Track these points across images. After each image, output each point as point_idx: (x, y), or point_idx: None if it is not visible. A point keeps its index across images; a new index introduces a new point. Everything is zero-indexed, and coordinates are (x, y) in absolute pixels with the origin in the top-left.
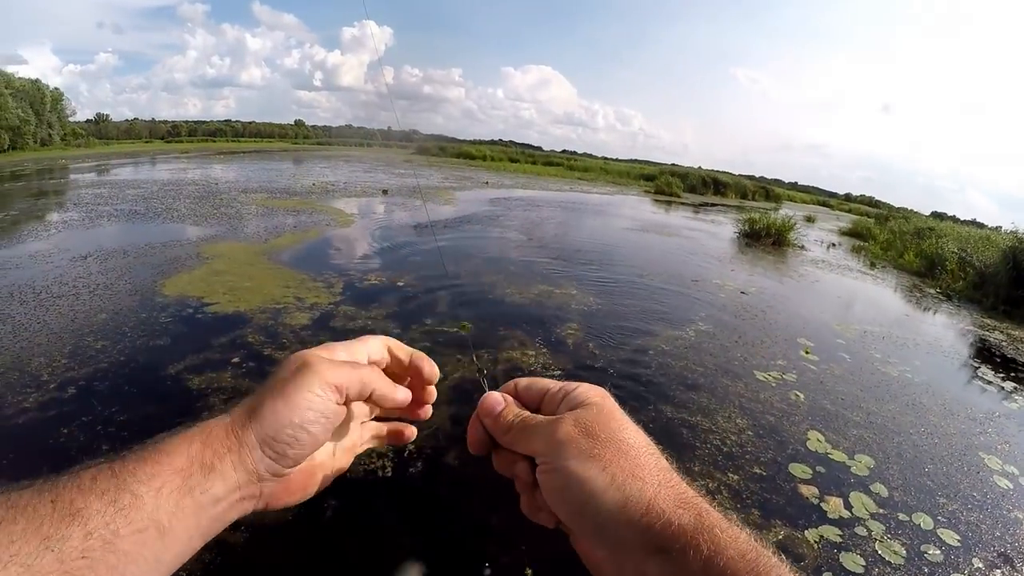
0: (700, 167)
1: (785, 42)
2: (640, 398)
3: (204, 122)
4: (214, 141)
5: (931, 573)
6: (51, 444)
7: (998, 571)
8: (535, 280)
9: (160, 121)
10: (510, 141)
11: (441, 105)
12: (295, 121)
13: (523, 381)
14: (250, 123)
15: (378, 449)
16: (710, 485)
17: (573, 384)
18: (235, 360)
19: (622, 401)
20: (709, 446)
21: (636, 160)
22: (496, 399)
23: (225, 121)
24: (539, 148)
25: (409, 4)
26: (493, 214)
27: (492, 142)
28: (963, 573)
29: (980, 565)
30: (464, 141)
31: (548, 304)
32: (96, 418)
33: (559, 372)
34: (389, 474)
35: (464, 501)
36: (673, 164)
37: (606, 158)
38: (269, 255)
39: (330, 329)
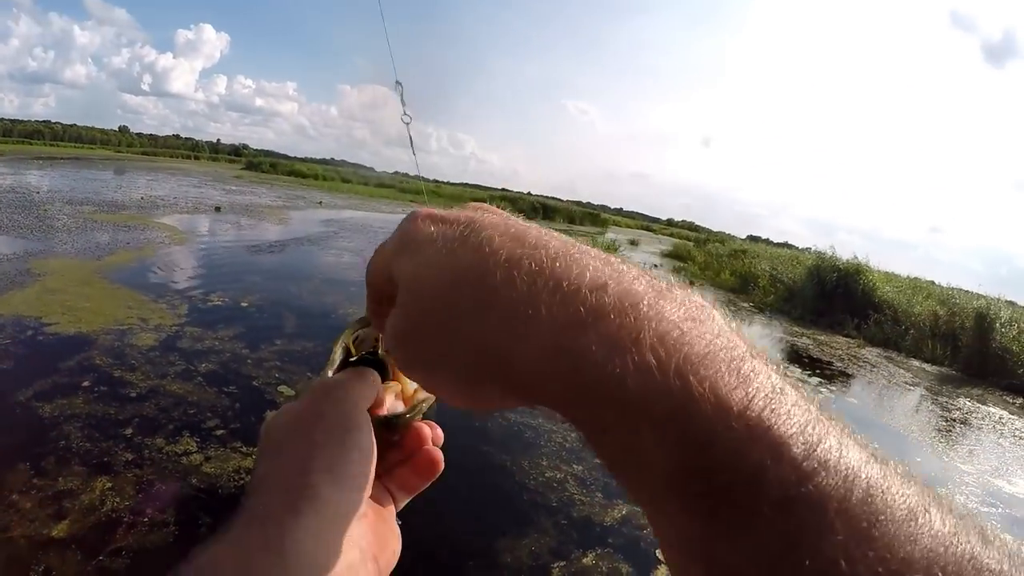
0: (530, 192)
1: (614, 77)
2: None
3: (21, 121)
4: (31, 143)
5: None
6: None
7: None
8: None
9: None
10: (342, 160)
11: (273, 119)
12: (119, 127)
13: None
14: (71, 126)
15: (245, 465)
16: (558, 476)
17: None
18: (85, 384)
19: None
20: (553, 443)
21: (467, 184)
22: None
23: (44, 122)
24: (371, 168)
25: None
26: (329, 234)
27: (324, 161)
28: None
29: None
30: (295, 159)
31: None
32: None
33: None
34: None
35: None
36: (504, 189)
37: (438, 181)
38: (104, 273)
39: (179, 350)
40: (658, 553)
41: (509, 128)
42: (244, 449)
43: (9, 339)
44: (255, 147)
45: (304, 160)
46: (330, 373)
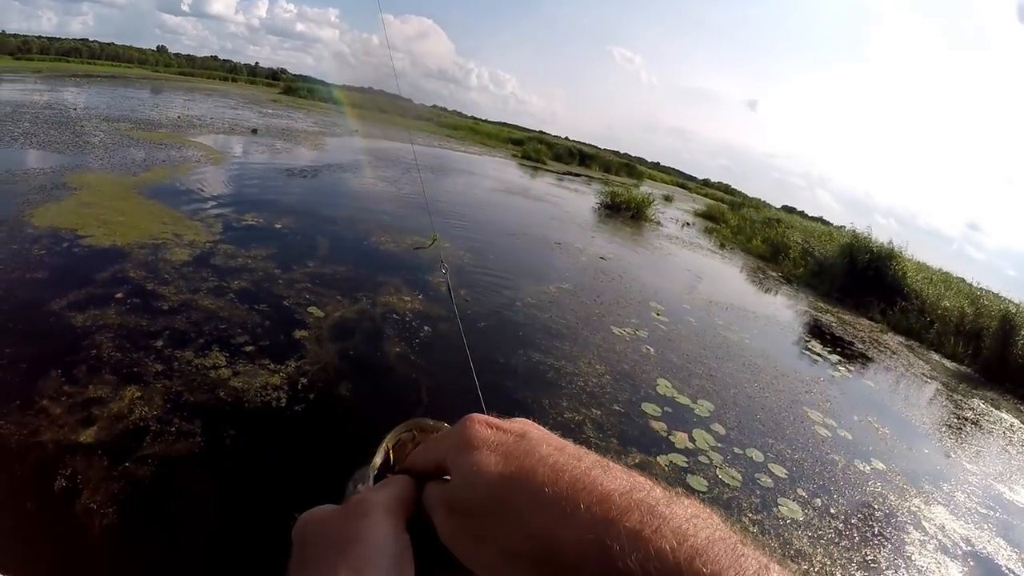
0: (567, 137)
1: (665, 29)
2: (511, 343)
3: (58, 39)
4: (68, 61)
5: (763, 495)
6: None
7: (818, 499)
8: (406, 231)
9: (10, 35)
10: (380, 90)
11: (313, 45)
12: (157, 47)
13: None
14: (109, 44)
15: (272, 382)
16: (576, 419)
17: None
18: (119, 296)
19: (495, 341)
20: (574, 386)
21: (505, 123)
22: None
23: (82, 40)
24: (409, 100)
25: None
26: (364, 163)
27: (361, 90)
28: (788, 497)
29: (803, 492)
30: (334, 85)
31: (420, 255)
32: None
33: (436, 315)
34: (283, 404)
35: (354, 425)
36: (541, 131)
37: (475, 118)
38: (140, 189)
39: (212, 267)
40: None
41: (551, 70)
42: (272, 366)
43: (45, 250)
44: (293, 72)
45: (342, 87)
46: (371, 477)
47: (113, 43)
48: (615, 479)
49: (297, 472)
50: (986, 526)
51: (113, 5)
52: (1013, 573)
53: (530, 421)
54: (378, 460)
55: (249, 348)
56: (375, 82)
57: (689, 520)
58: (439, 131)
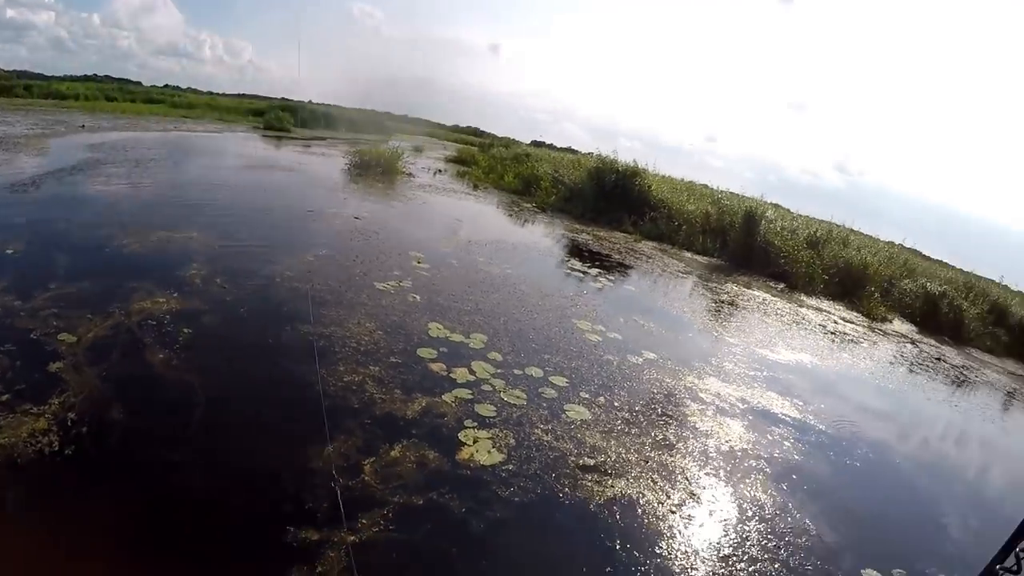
0: (311, 101)
1: None
2: (275, 321)
3: None
4: None
5: (550, 406)
6: None
7: (601, 397)
8: (152, 227)
9: None
10: (106, 76)
11: (26, 33)
12: None
13: None
14: None
15: (39, 427)
16: (356, 379)
17: None
18: None
19: (259, 323)
20: (348, 348)
21: (245, 95)
22: None
23: None
24: (139, 83)
25: None
26: (95, 161)
27: (85, 78)
28: (574, 402)
29: (586, 395)
30: (53, 78)
31: (171, 250)
32: None
33: (196, 310)
34: (56, 448)
35: (134, 445)
36: (283, 98)
37: (212, 93)
38: None
39: None
40: (460, 436)
41: (291, 34)
42: (34, 410)
43: None
44: (6, 68)
45: (64, 79)
46: None
47: None
48: None
49: (88, 512)
50: (756, 384)
51: None
52: (783, 414)
53: None
54: None
55: (4, 397)
56: (99, 67)
57: None
58: (174, 112)
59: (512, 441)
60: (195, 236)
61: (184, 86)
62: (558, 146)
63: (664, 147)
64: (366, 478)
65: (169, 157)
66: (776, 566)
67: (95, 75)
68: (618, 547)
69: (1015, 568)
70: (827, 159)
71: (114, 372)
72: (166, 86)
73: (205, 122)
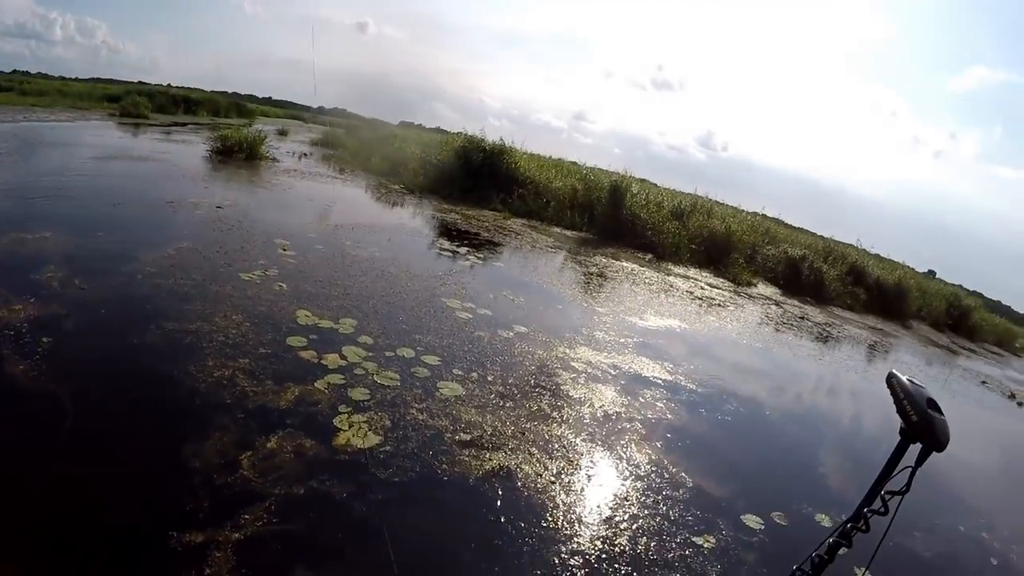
0: (170, 85)
1: None
2: (139, 321)
3: None
4: None
5: (423, 385)
6: None
7: (474, 372)
8: (2, 229)
9: None
10: None
11: None
12: None
13: None
14: None
15: None
16: (227, 373)
17: None
18: None
19: (120, 324)
20: (215, 343)
21: (99, 79)
22: None
23: None
24: None
25: None
26: None
27: None
28: (447, 380)
29: (459, 372)
30: None
31: (22, 253)
32: None
33: (56, 315)
34: None
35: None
36: (140, 82)
37: (64, 78)
38: None
39: None
40: (335, 422)
41: (148, 13)
42: None
43: None
44: None
45: None
46: None
47: None
48: None
49: None
50: (626, 351)
51: None
52: (655, 377)
53: None
54: None
55: None
56: None
57: None
58: (23, 101)
59: (388, 423)
60: (49, 236)
61: (34, 71)
62: (427, 126)
63: (533, 125)
64: (244, 472)
65: (17, 151)
66: (657, 520)
67: None
68: (502, 519)
69: (882, 510)
70: (692, 135)
71: None
72: (14, 72)
73: (57, 110)
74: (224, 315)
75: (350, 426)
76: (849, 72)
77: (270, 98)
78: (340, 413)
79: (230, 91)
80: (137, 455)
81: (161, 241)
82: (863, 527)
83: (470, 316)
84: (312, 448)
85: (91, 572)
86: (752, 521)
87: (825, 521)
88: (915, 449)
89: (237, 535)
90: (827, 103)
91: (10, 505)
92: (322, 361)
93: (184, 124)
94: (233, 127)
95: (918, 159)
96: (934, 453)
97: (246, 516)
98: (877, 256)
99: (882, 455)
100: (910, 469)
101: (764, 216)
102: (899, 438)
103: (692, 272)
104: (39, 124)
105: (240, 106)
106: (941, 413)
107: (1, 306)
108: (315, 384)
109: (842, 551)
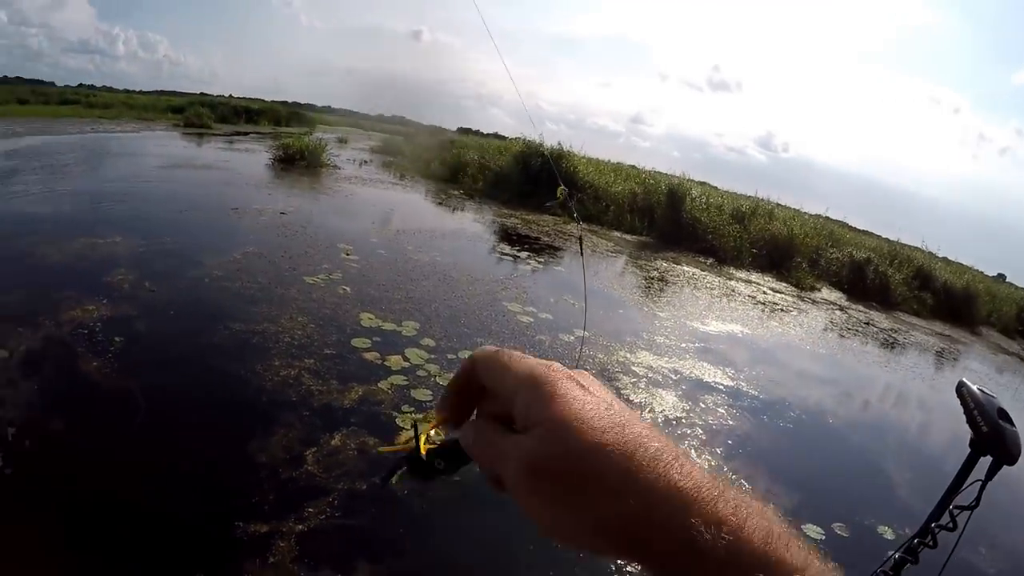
0: (231, 95)
1: None
2: (208, 322)
3: None
4: None
5: None
6: None
7: None
8: (74, 234)
9: None
10: (17, 78)
11: None
12: None
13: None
14: None
15: None
16: (292, 373)
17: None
18: None
19: (190, 325)
20: (281, 344)
21: (162, 91)
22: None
23: None
24: (52, 84)
25: None
26: (9, 169)
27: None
28: None
29: None
30: None
31: (94, 256)
32: None
33: (127, 316)
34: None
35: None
36: (202, 93)
37: (128, 91)
38: None
39: None
40: (398, 421)
41: (206, 26)
42: None
43: None
44: None
45: None
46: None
47: None
48: (699, 471)
49: (34, 528)
50: (687, 356)
51: None
52: (717, 383)
53: (595, 379)
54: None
55: None
56: (9, 69)
57: (763, 513)
58: (89, 113)
59: None
60: (119, 241)
61: (99, 85)
62: (485, 132)
63: (590, 129)
64: (309, 468)
65: (87, 160)
66: None
67: (5, 77)
68: None
69: (951, 525)
70: (751, 136)
71: (51, 384)
72: (80, 85)
73: (122, 122)
74: (290, 317)
75: (412, 425)
76: (907, 68)
77: (329, 106)
78: (403, 412)
79: (289, 100)
80: (206, 449)
81: (227, 246)
82: (930, 543)
83: (531, 320)
84: (375, 446)
85: (161, 558)
86: (812, 531)
87: (888, 533)
88: (985, 462)
89: (301, 527)
90: (886, 100)
91: (87, 494)
92: (385, 362)
93: (246, 133)
94: (294, 135)
95: (983, 157)
96: (1005, 467)
97: (310, 509)
98: (944, 259)
99: (950, 467)
100: (980, 483)
101: (827, 218)
102: (968, 450)
103: (754, 276)
104: (106, 135)
105: (300, 115)
106: (1013, 424)
107: (75, 307)
108: (378, 384)
109: (907, 567)
